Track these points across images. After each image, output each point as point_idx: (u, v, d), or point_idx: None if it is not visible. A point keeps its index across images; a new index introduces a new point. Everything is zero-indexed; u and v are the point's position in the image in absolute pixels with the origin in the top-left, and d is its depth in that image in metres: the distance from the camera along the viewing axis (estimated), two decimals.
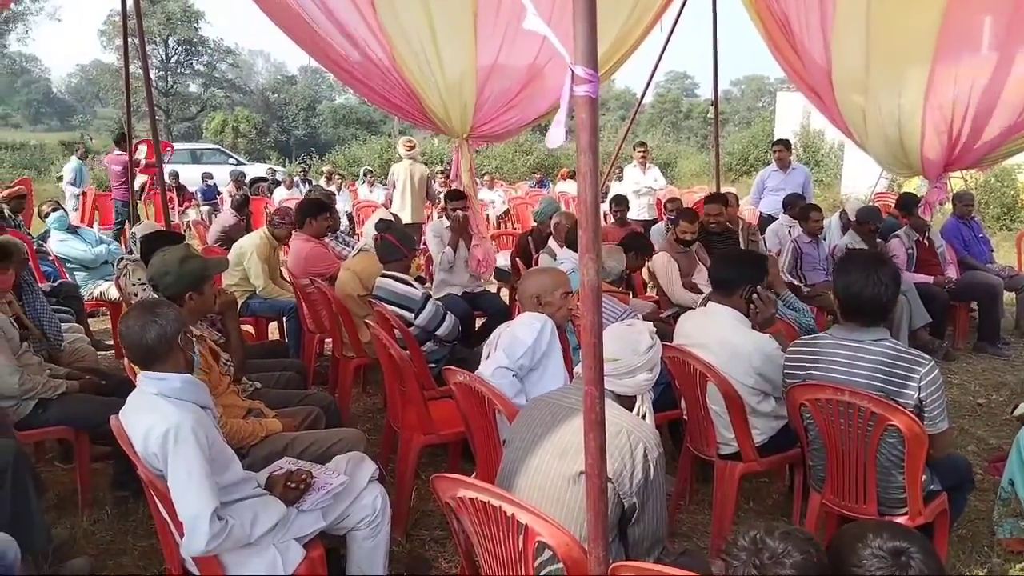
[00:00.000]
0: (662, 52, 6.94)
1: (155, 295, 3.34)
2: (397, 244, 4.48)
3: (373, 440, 4.26)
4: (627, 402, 2.30)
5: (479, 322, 5.87)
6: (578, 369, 2.42)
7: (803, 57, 5.63)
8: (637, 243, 5.14)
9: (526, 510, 1.86)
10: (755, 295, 3.28)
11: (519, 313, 3.41)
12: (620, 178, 9.81)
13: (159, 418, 2.22)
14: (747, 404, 3.15)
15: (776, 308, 3.50)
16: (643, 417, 2.34)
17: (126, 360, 3.28)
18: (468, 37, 5.21)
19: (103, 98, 50.15)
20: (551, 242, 5.77)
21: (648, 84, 7.87)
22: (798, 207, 6.79)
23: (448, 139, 6.72)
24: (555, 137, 1.59)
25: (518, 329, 3.13)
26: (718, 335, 3.21)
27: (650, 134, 38.03)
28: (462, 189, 6.04)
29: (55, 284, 5.89)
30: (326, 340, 5.43)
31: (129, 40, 6.32)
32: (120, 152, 10.26)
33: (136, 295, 4.71)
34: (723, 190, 7.55)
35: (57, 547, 3.18)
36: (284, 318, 5.80)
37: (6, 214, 7.21)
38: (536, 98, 5.94)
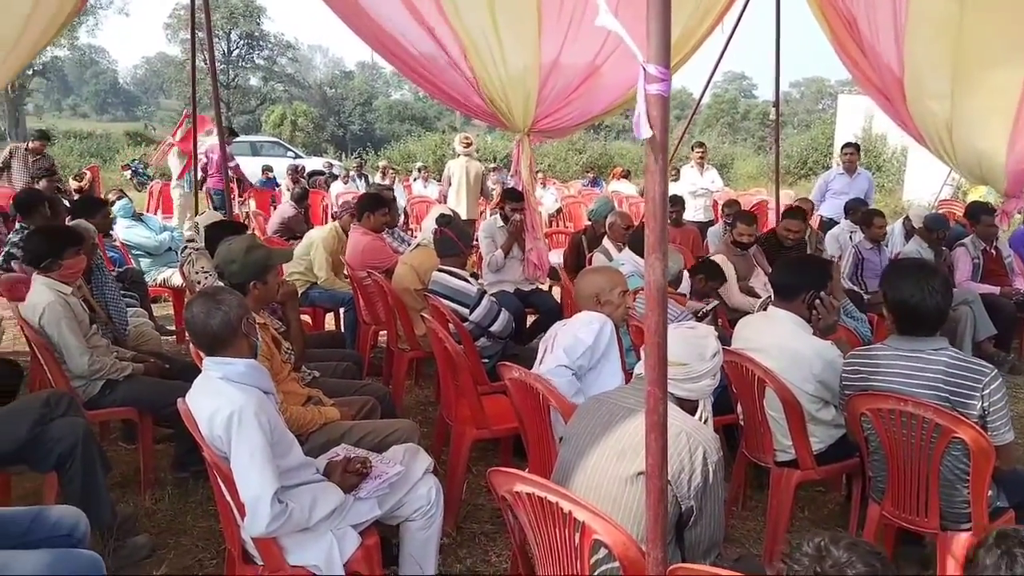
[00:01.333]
0: (723, 51, 6.85)
1: (219, 283, 3.43)
2: (455, 240, 4.51)
3: (425, 433, 4.29)
4: (688, 405, 2.28)
5: (530, 320, 5.89)
6: (637, 369, 2.42)
7: (871, 58, 5.50)
8: (710, 270, 4.90)
9: (583, 507, 1.86)
10: (818, 301, 3.22)
11: (571, 312, 3.41)
12: (676, 178, 9.70)
13: (224, 401, 2.28)
14: (806, 411, 3.09)
15: (839, 315, 3.42)
16: (704, 421, 2.32)
17: (191, 345, 3.38)
18: (531, 32, 5.23)
19: (166, 89, 51.57)
20: (605, 241, 5.74)
21: (708, 84, 7.80)
22: (860, 212, 6.64)
23: (503, 135, 6.75)
24: (642, 129, 1.58)
25: (578, 329, 3.11)
26: (778, 340, 3.16)
27: (706, 135, 37.55)
28: (520, 187, 6.05)
29: (121, 270, 6.07)
30: (381, 332, 5.50)
31: (192, 33, 6.48)
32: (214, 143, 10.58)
33: (199, 283, 4.83)
34: (781, 193, 7.44)
35: (121, 523, 3.27)
36: (342, 309, 5.89)
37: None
38: (596, 95, 5.93)
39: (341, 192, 12.15)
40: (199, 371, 3.76)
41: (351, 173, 14.21)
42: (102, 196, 7.70)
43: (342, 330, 5.94)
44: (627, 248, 4.85)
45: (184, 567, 3.19)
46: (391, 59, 5.40)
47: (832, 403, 3.15)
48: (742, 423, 3.50)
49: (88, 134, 32.27)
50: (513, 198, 6.05)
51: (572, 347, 3.06)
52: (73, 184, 9.80)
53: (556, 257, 7.28)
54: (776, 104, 7.54)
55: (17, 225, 5.86)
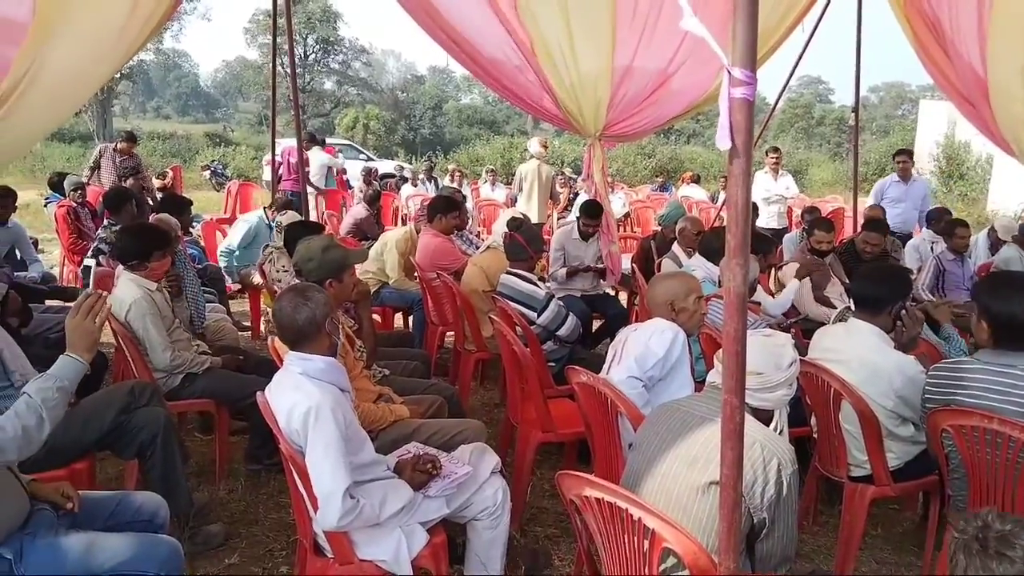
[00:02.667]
0: (801, 53, 6.68)
1: (297, 280, 3.52)
2: (524, 245, 4.53)
3: (490, 434, 4.31)
4: (762, 415, 2.24)
5: (596, 325, 5.87)
6: (709, 377, 2.38)
7: (955, 61, 5.28)
8: (761, 244, 4.78)
9: (654, 515, 1.84)
10: (903, 313, 3.11)
11: (639, 318, 3.36)
12: None
13: (302, 396, 2.34)
14: (884, 427, 3.00)
15: (921, 328, 3.31)
16: (779, 432, 2.27)
17: (269, 340, 3.48)
18: (606, 37, 5.22)
19: (244, 92, 53.10)
20: (675, 247, 5.67)
21: (784, 87, 7.61)
22: (944, 222, 6.40)
23: (571, 138, 6.74)
24: (722, 138, 1.56)
25: (649, 337, 3.06)
26: (858, 353, 3.07)
27: (780, 140, 36.76)
28: (592, 190, 6.05)
29: (201, 267, 6.28)
30: (447, 333, 5.56)
31: (273, 38, 6.67)
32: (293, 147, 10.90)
33: (279, 280, 4.96)
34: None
35: (197, 512, 3.39)
36: (412, 309, 5.97)
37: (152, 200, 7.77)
38: (668, 100, 5.89)
39: (411, 195, 12.31)
40: (274, 366, 3.88)
41: (421, 176, 14.38)
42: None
43: (410, 330, 6.04)
44: (698, 254, 4.77)
45: (255, 556, 3.29)
46: (465, 62, 5.46)
47: (912, 420, 3.05)
48: (815, 436, 3.41)
49: (170, 135, 33.57)
50: (590, 214, 5.98)
51: (643, 357, 3.00)
52: (157, 183, 10.20)
53: (624, 262, 7.24)
54: (856, 109, 7.33)
55: (106, 221, 6.13)
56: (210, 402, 3.88)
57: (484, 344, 4.85)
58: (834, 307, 5.05)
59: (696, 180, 14.86)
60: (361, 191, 11.52)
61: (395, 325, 6.37)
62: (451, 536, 2.80)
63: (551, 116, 5.83)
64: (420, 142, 43.05)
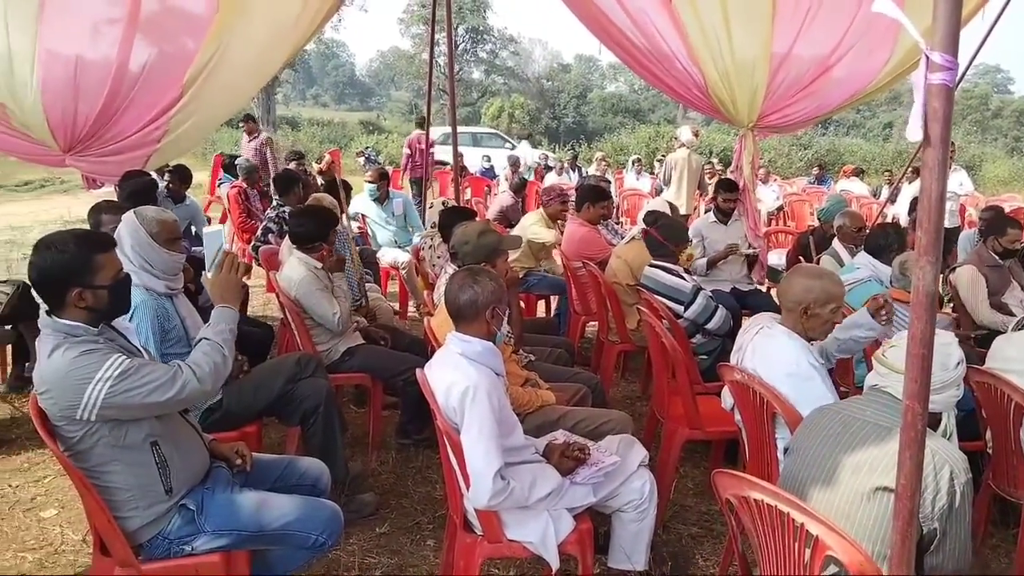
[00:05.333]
0: (983, 41, 6.16)
1: (451, 264, 3.63)
2: (661, 241, 4.46)
3: (634, 427, 4.29)
4: (929, 419, 2.10)
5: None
6: (869, 380, 2.23)
7: None
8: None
9: (818, 521, 1.76)
10: None
11: None
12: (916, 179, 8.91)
13: (461, 376, 2.41)
14: None
15: None
16: (947, 437, 2.13)
17: (425, 321, 3.61)
18: (764, 22, 5.01)
19: (397, 81, 55.08)
20: (836, 244, 5.38)
21: (962, 76, 7.04)
22: None
23: (720, 127, 6.54)
24: (914, 129, 1.47)
25: (772, 368, 2.79)
26: None
27: (952, 133, 34.10)
28: (741, 184, 5.85)
29: (358, 248, 6.57)
30: (589, 323, 5.55)
31: (426, 28, 6.86)
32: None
33: (435, 264, 5.11)
34: None
35: (352, 480, 3.58)
36: (555, 297, 6.00)
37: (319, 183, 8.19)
38: (830, 90, 5.57)
39: (554, 184, 12.38)
40: (425, 345, 4.02)
41: (565, 165, 14.42)
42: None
43: (552, 317, 6.07)
44: (863, 251, 4.50)
45: (404, 528, 3.42)
46: (614, 49, 5.40)
47: None
48: (990, 451, 3.16)
49: (327, 122, 35.42)
50: (728, 188, 5.83)
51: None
52: (315, 167, 10.77)
53: (777, 258, 6.96)
54: None
55: (274, 202, 6.53)
56: (366, 376, 4.07)
57: (628, 336, 4.81)
58: (1013, 315, 4.64)
59: (858, 174, 14.07)
60: (507, 179, 11.70)
61: (537, 313, 6.44)
62: (594, 526, 2.80)
63: (701, 104, 5.67)
64: (563, 131, 43.15)
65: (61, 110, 4.58)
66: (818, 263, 5.34)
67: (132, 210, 3.11)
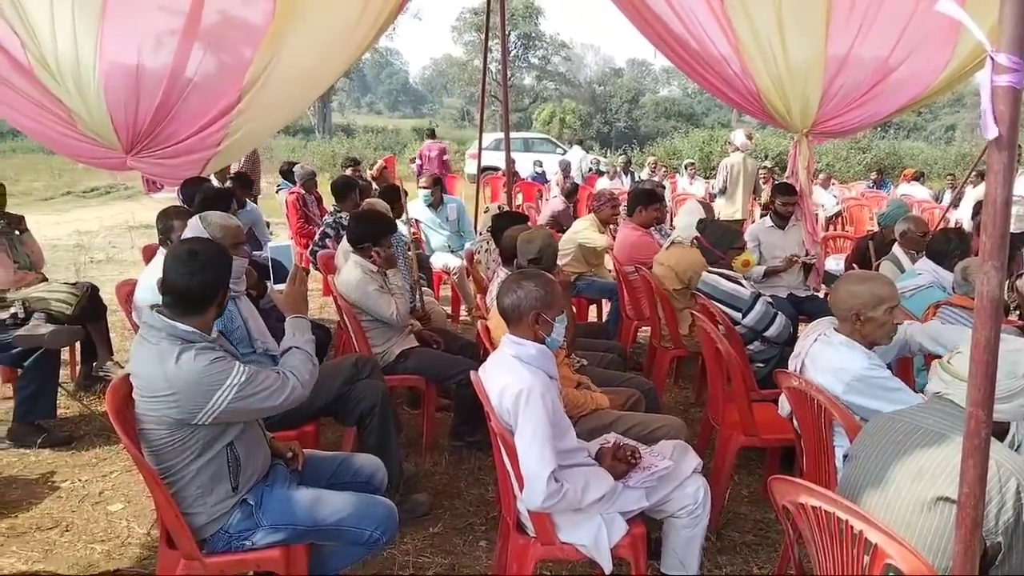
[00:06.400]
0: None
1: (504, 268, 3.66)
2: (709, 247, 4.43)
3: (688, 433, 4.26)
4: (995, 429, 2.04)
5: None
6: (930, 386, 2.18)
7: None
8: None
9: (878, 528, 1.74)
10: None
11: None
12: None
13: (515, 379, 2.44)
14: None
15: None
16: (1016, 449, 2.07)
17: (478, 324, 3.64)
18: (818, 25, 4.94)
19: (449, 89, 55.52)
20: (896, 249, 5.25)
21: None
22: None
23: (775, 131, 6.43)
24: (988, 127, 1.45)
25: (830, 376, 2.78)
26: None
27: (1020, 133, 32.94)
28: (796, 186, 5.77)
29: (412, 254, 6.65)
30: (641, 328, 5.53)
31: (479, 35, 6.94)
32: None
33: (489, 268, 5.16)
34: None
35: (406, 480, 3.63)
36: (607, 301, 6.00)
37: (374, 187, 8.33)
38: (890, 94, 5.45)
39: (605, 188, 12.35)
40: (477, 349, 4.06)
41: (618, 169, 14.36)
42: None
43: (603, 321, 6.07)
44: (925, 257, 4.39)
45: (457, 528, 3.46)
46: (667, 53, 5.38)
47: None
48: None
49: (381, 129, 35.90)
50: (786, 192, 5.76)
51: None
52: (369, 173, 10.94)
53: (836, 263, 6.83)
54: None
55: (331, 207, 6.67)
56: (420, 379, 4.13)
57: (681, 341, 4.78)
58: None
59: (918, 178, 13.70)
60: (558, 184, 11.70)
61: (588, 317, 6.43)
62: (647, 531, 2.80)
63: (754, 109, 5.61)
64: (615, 136, 42.97)
65: (123, 108, 4.71)
66: (877, 269, 5.22)
67: (198, 215, 3.22)
